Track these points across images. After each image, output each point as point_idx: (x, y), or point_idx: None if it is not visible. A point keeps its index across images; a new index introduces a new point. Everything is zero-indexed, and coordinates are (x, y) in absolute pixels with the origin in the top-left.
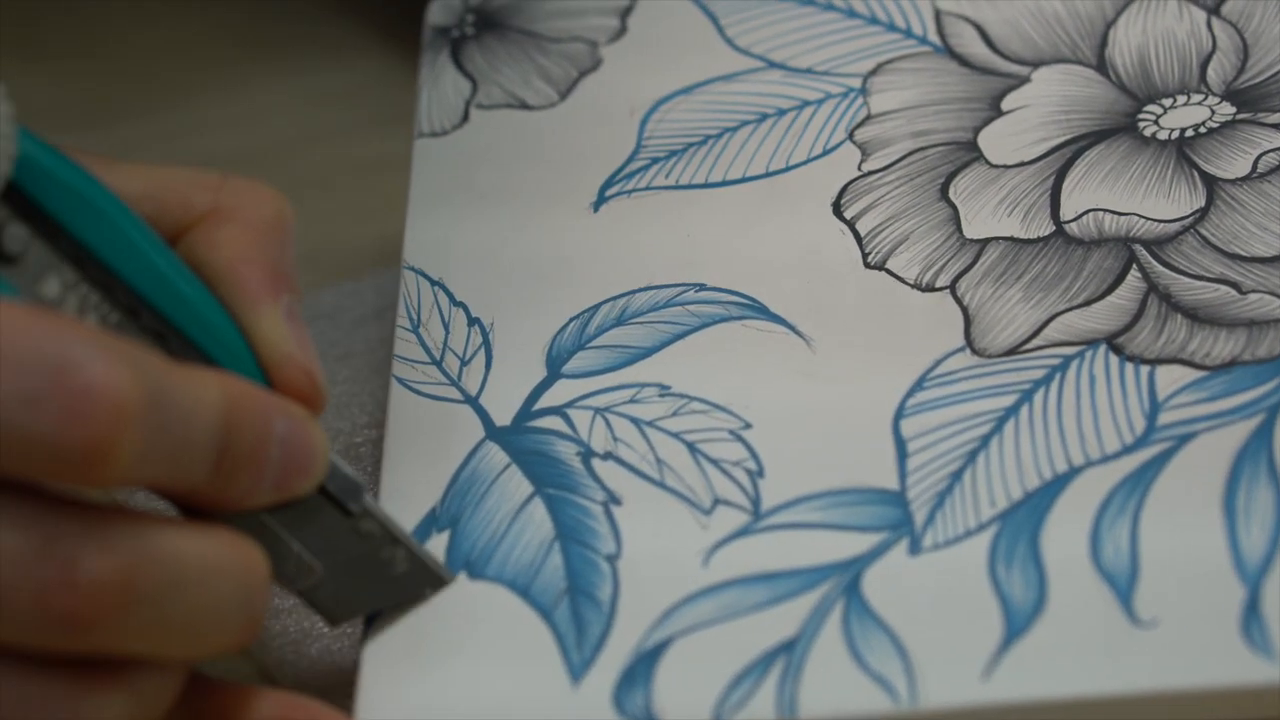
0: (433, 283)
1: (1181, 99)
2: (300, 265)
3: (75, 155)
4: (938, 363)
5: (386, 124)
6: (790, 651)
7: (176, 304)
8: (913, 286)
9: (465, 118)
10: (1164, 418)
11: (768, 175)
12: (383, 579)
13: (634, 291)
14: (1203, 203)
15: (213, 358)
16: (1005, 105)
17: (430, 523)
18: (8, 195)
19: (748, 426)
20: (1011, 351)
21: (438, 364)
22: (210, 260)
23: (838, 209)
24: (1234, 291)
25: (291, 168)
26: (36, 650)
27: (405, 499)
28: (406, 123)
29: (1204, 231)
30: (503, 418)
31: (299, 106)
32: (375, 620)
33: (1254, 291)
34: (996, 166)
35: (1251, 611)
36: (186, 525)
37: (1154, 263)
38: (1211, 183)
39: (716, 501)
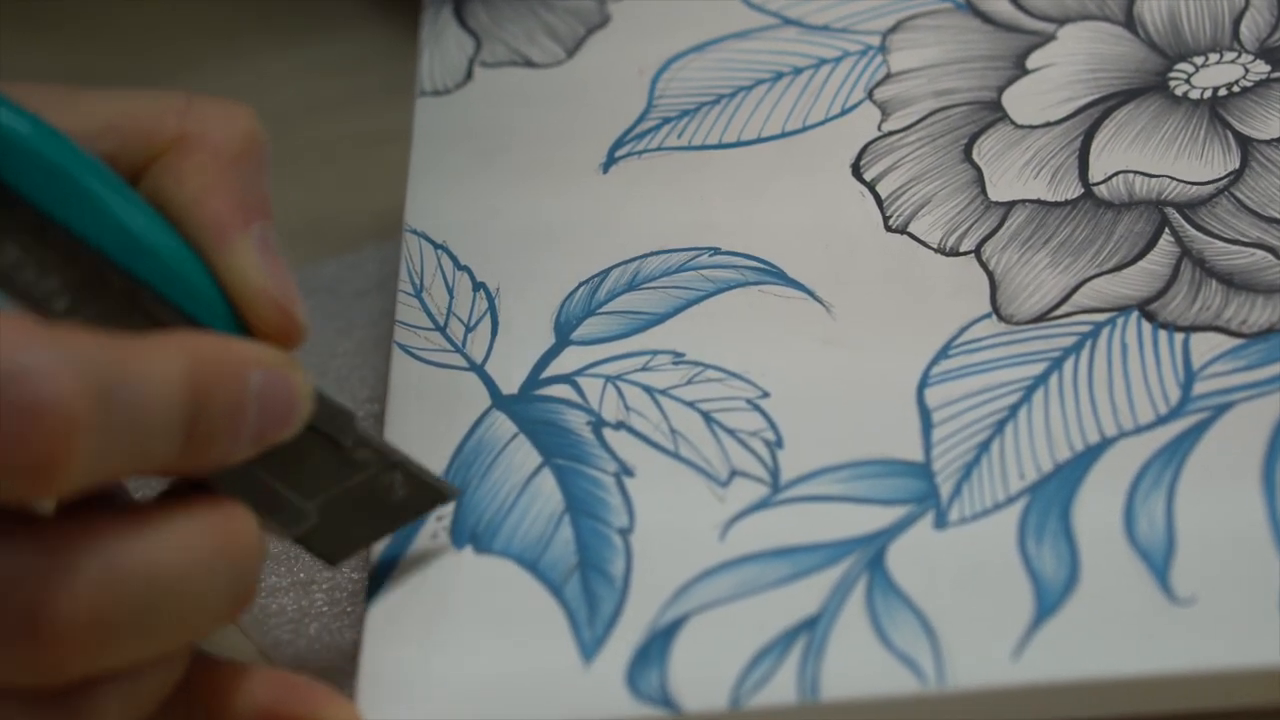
0: (436, 246)
1: (1214, 57)
2: (301, 237)
3: (29, 95)
4: (963, 330)
5: (389, 95)
6: (812, 629)
7: (143, 259)
8: (936, 251)
9: (469, 76)
10: (1200, 387)
11: (784, 136)
12: (382, 507)
13: (645, 255)
14: (1237, 164)
15: (187, 310)
16: (1030, 64)
17: None
18: None
19: (765, 395)
20: (1040, 318)
21: (441, 330)
22: (174, 196)
23: (857, 170)
24: (1271, 256)
25: (293, 139)
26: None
27: None
28: (410, 94)
29: (1239, 194)
30: (509, 386)
31: (301, 77)
32: (376, 597)
33: None
34: (1022, 127)
35: None
36: (158, 520)
37: (1187, 226)
38: (1246, 143)
39: (733, 473)
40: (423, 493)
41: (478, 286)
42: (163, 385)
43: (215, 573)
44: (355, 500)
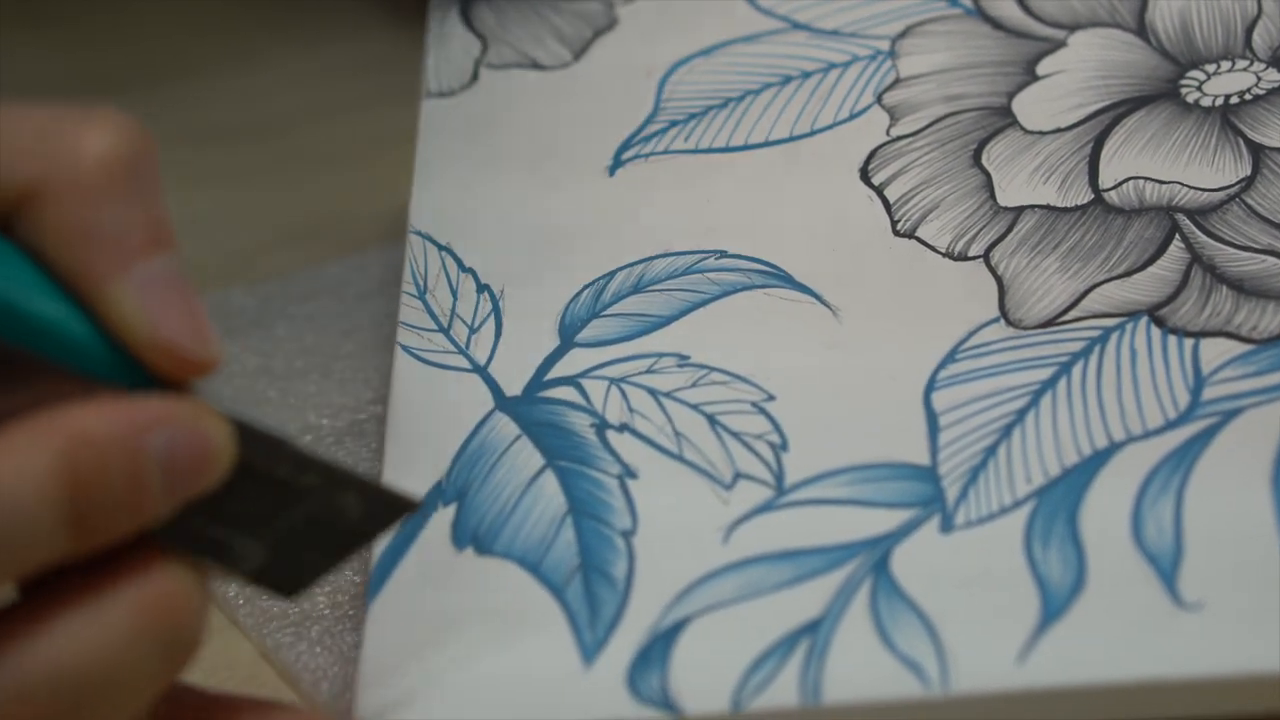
0: (440, 248)
1: (1225, 65)
2: (306, 239)
3: None
4: (971, 334)
5: (395, 98)
6: (815, 633)
7: (12, 321)
8: (944, 255)
9: (475, 78)
10: (1209, 392)
11: (791, 139)
12: (336, 531)
13: (651, 258)
14: (1248, 171)
15: (79, 366)
16: (1040, 70)
17: (436, 496)
18: None
19: (770, 398)
20: (1048, 323)
21: (445, 331)
22: (42, 249)
23: (865, 174)
24: None
25: (298, 142)
26: None
27: (410, 471)
28: (416, 97)
29: (1250, 200)
30: (513, 388)
31: (307, 80)
32: (376, 599)
33: None
34: (1031, 133)
35: None
36: (65, 609)
37: (1197, 232)
38: (1258, 150)
39: (738, 475)
40: (381, 508)
41: (482, 288)
42: (27, 485)
43: (140, 650)
44: (306, 529)
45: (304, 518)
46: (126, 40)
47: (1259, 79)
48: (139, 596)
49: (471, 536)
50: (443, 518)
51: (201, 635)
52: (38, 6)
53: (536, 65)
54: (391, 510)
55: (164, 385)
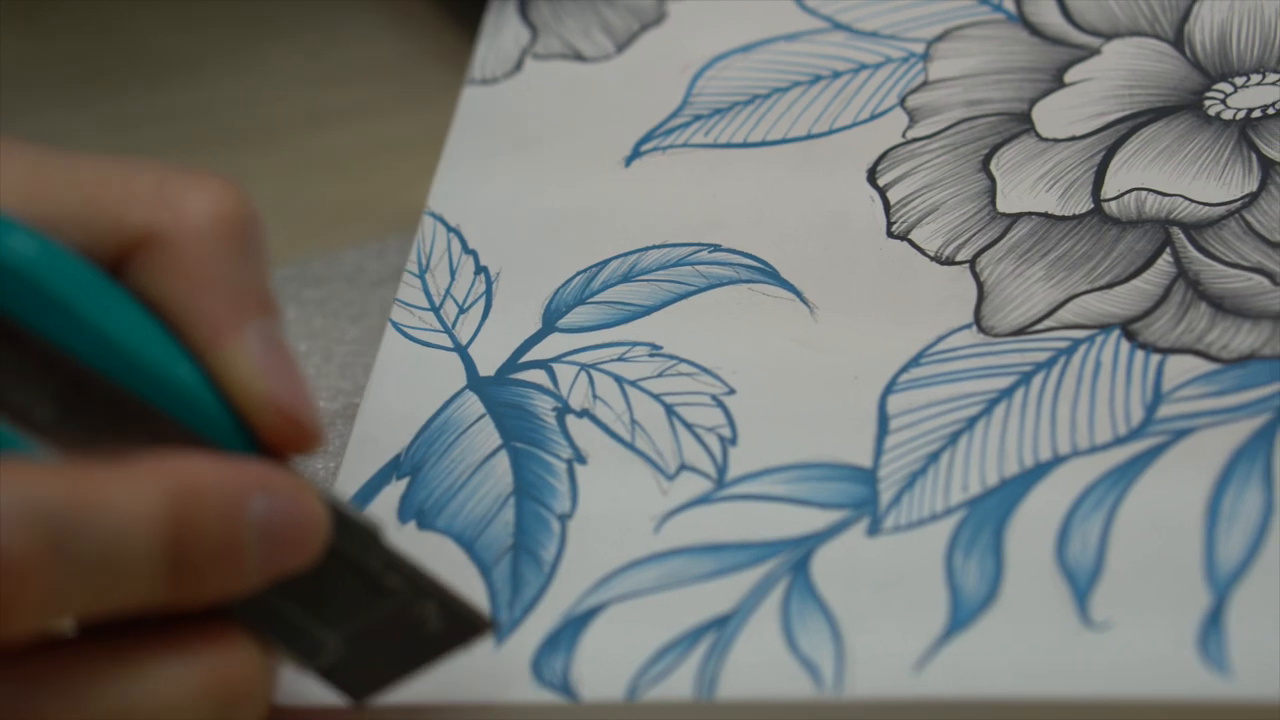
0: (449, 229)
1: (1255, 78)
2: (329, 227)
3: None
4: (940, 339)
5: (399, 104)
6: (722, 628)
7: (126, 367)
8: (932, 259)
9: (518, 67)
10: (1164, 410)
11: (807, 138)
12: (413, 640)
13: (646, 249)
14: (1255, 187)
15: (185, 422)
16: (1068, 77)
17: (392, 469)
18: None
19: (731, 392)
20: (1019, 331)
21: (435, 311)
22: (157, 293)
23: (872, 175)
24: (1267, 282)
25: (298, 148)
26: None
27: (373, 444)
28: (420, 103)
29: (1249, 217)
30: (487, 368)
31: (308, 85)
32: None
33: None
34: (1046, 140)
35: (1213, 623)
36: (141, 657)
37: (1189, 247)
38: (1269, 166)
39: (682, 467)
40: (458, 625)
41: (479, 270)
42: (134, 523)
43: (199, 713)
44: (384, 631)
45: (384, 618)
46: (121, 37)
47: None
48: (213, 664)
49: (417, 510)
50: (394, 490)
51: (259, 717)
52: (38, 5)
53: (580, 57)
54: (467, 628)
55: (261, 453)
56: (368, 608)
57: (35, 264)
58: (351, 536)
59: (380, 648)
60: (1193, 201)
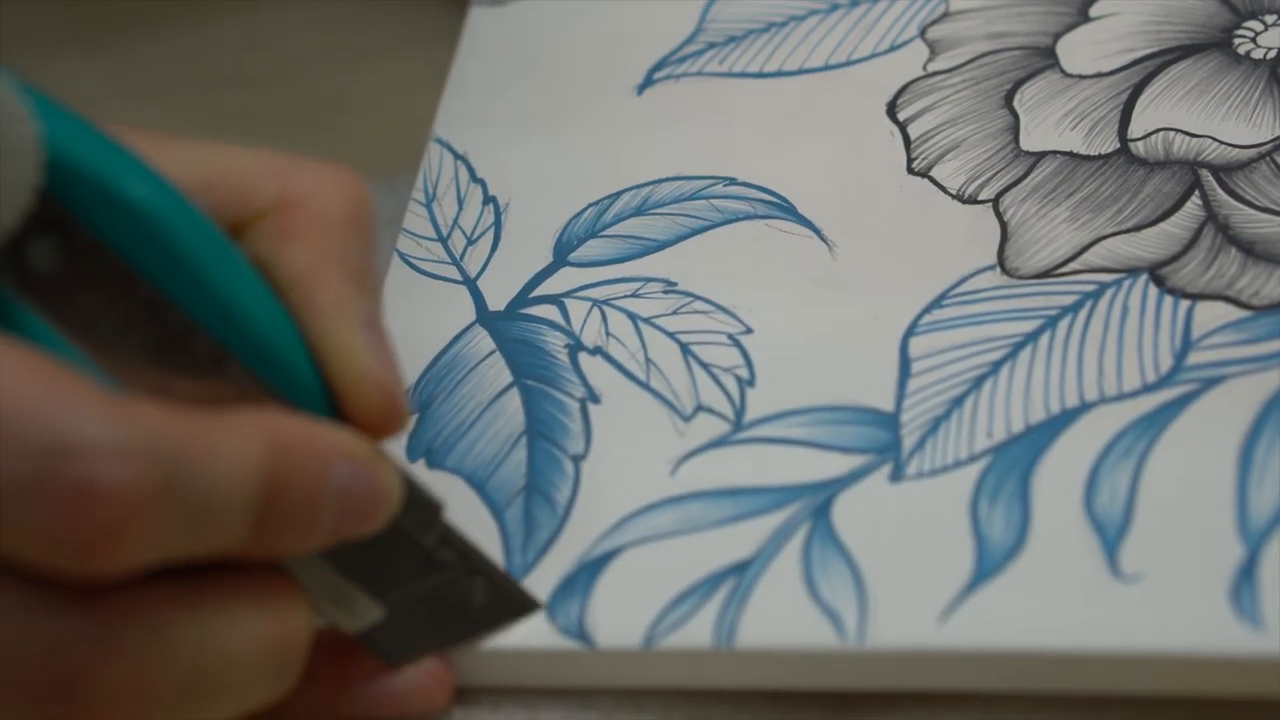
0: (456, 156)
1: None
2: (344, 162)
3: (123, 139)
4: (963, 280)
5: (409, 45)
6: (741, 574)
7: (233, 328)
8: (954, 197)
9: None
10: (1194, 357)
11: (825, 69)
12: (456, 614)
13: (660, 181)
14: None
15: (276, 385)
16: (1094, 11)
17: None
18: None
19: (748, 331)
20: (1045, 274)
21: (443, 241)
22: (278, 265)
23: (892, 109)
24: None
25: (309, 88)
26: None
27: None
28: (429, 45)
29: None
30: (497, 302)
31: (319, 26)
32: None
33: None
34: (1071, 76)
35: (1245, 576)
36: (214, 602)
37: (1218, 190)
38: None
39: (699, 408)
40: (503, 603)
41: (488, 200)
42: (235, 471)
43: (260, 664)
44: (429, 603)
45: (431, 592)
46: None
47: None
48: (274, 615)
49: (426, 449)
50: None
51: (298, 675)
52: None
53: None
54: (515, 607)
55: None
56: (417, 579)
57: (157, 208)
58: (413, 510)
59: (423, 618)
60: (1222, 143)
